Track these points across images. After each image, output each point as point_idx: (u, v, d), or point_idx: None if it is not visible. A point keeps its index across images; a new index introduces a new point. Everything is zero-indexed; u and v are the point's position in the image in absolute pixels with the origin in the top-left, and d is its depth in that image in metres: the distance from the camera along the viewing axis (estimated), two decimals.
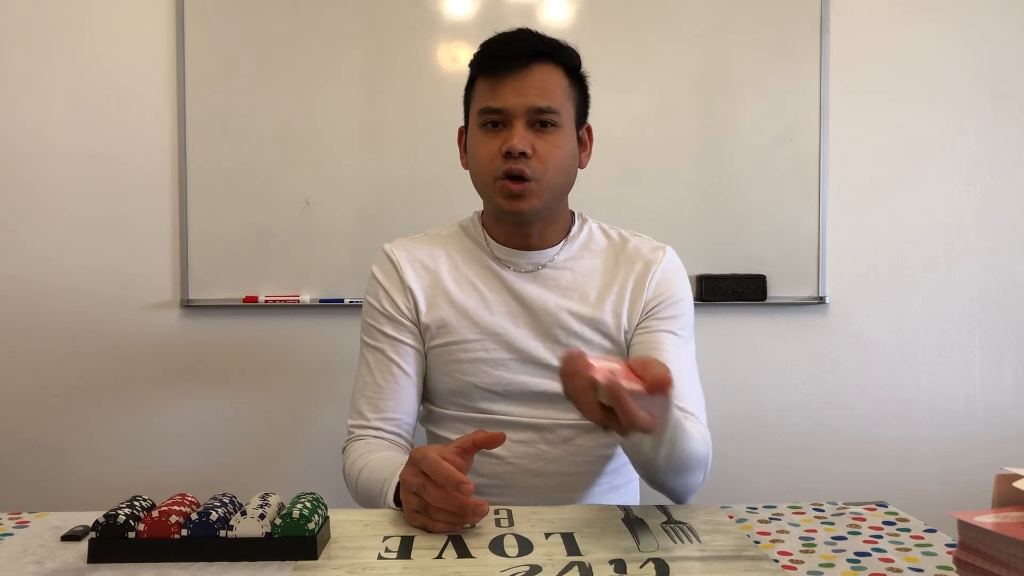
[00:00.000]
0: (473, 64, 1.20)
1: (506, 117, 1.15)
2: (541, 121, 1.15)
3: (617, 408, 0.81)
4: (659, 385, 0.82)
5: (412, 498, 0.90)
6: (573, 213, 1.28)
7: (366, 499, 1.10)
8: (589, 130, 1.25)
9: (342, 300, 1.82)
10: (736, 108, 1.88)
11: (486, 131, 1.17)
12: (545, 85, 1.15)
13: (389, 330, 1.23)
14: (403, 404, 1.22)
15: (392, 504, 0.98)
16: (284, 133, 1.81)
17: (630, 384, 0.81)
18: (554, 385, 1.20)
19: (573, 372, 0.83)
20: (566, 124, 1.18)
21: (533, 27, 1.20)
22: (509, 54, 1.15)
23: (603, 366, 0.83)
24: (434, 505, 0.88)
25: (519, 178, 1.14)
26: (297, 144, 1.82)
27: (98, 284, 1.82)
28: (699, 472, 1.08)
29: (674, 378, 1.15)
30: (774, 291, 1.88)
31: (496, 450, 1.05)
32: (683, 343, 1.22)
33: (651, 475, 1.05)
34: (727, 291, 1.85)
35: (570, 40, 1.21)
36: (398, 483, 0.95)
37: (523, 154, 1.13)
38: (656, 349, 1.19)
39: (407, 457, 0.95)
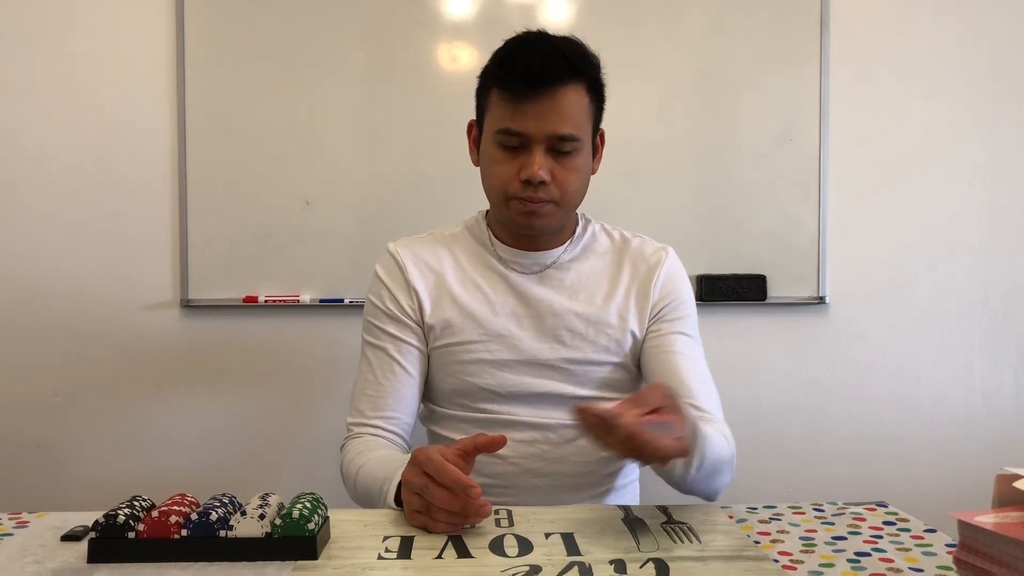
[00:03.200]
0: (491, 75, 1.15)
1: (525, 141, 1.12)
2: (562, 146, 1.12)
3: (642, 447, 0.81)
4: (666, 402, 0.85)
5: (414, 498, 0.90)
6: (577, 214, 1.28)
7: (364, 497, 1.10)
8: (602, 135, 1.22)
9: (342, 300, 1.82)
10: (736, 108, 1.87)
11: (503, 150, 1.14)
12: (568, 111, 1.11)
13: (392, 329, 1.23)
14: (403, 403, 1.22)
15: (392, 504, 0.98)
16: (284, 133, 1.81)
17: (640, 417, 0.82)
18: (558, 386, 1.20)
19: (588, 424, 0.83)
20: (585, 145, 1.16)
21: (533, 27, 1.17)
22: (532, 77, 1.09)
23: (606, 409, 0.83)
24: (437, 505, 0.88)
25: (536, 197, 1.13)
26: (297, 144, 1.82)
27: (98, 284, 1.82)
28: (728, 471, 1.10)
29: (689, 378, 1.17)
30: (774, 291, 1.88)
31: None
32: (694, 343, 1.23)
33: (683, 487, 1.04)
34: (727, 291, 1.85)
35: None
36: (399, 483, 0.95)
37: (542, 182, 1.12)
38: (670, 352, 1.19)
39: (407, 457, 0.95)
